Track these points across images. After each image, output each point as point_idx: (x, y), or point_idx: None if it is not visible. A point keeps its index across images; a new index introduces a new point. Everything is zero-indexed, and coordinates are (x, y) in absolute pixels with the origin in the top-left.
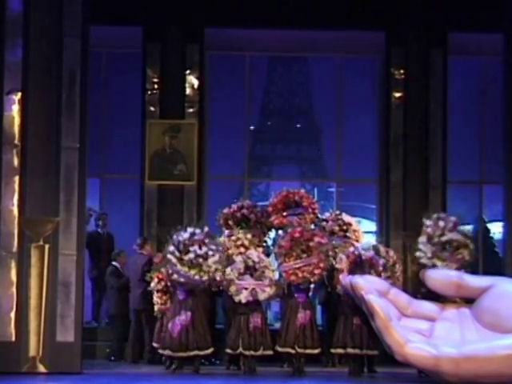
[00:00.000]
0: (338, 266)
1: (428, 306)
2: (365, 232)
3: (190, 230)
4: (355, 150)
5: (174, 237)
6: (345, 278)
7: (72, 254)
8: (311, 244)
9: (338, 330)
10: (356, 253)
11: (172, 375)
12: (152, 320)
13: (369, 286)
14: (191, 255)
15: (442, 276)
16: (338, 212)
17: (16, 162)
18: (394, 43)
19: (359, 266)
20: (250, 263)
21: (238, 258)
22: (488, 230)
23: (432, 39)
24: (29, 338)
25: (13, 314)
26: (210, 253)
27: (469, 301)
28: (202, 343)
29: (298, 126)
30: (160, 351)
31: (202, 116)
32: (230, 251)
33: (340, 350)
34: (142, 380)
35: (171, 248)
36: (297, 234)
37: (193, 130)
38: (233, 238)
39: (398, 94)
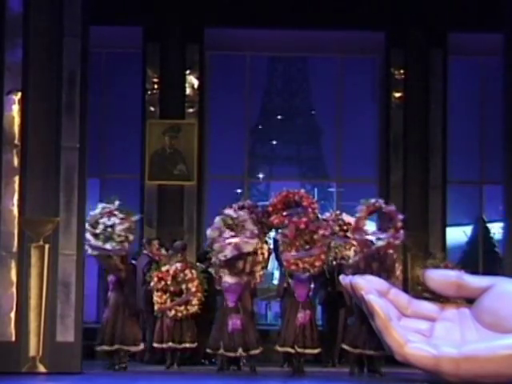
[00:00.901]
0: (357, 214)
1: (428, 306)
2: None
3: (101, 205)
4: (355, 150)
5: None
6: (345, 279)
7: (72, 254)
8: (315, 236)
9: (353, 329)
10: (377, 204)
11: (172, 375)
12: (152, 320)
13: (369, 286)
14: (101, 227)
15: (441, 276)
16: (338, 212)
17: (16, 162)
18: (394, 43)
19: (380, 216)
20: (229, 220)
21: (216, 218)
22: (488, 230)
23: (432, 39)
24: (29, 338)
25: (13, 314)
26: (117, 221)
27: (469, 301)
28: (124, 339)
29: (298, 126)
30: (97, 348)
31: (202, 116)
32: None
33: (356, 350)
34: (142, 380)
35: (86, 225)
36: (302, 225)
37: (193, 130)
38: None
39: (397, 94)
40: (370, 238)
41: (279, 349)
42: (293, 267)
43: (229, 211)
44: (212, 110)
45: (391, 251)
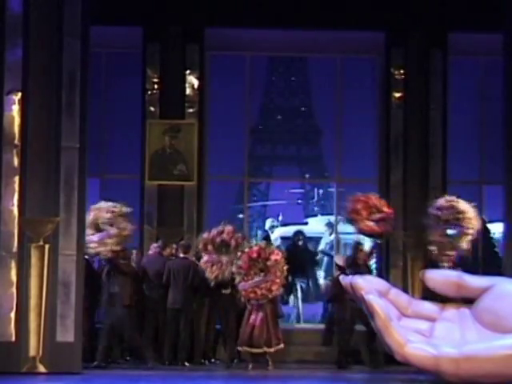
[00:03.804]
0: None
1: (428, 306)
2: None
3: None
4: (355, 150)
5: None
6: (345, 279)
7: (72, 254)
8: (268, 263)
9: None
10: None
11: (172, 375)
12: None
13: (369, 286)
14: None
15: (441, 276)
16: (454, 199)
17: (16, 162)
18: (394, 43)
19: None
20: None
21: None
22: (488, 230)
23: (432, 39)
24: (29, 338)
25: (13, 314)
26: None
27: (469, 301)
28: None
29: (298, 126)
30: None
31: (202, 116)
32: None
33: None
34: (141, 380)
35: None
36: (254, 255)
37: (193, 130)
38: None
39: (397, 94)
40: None
41: (239, 348)
42: (251, 295)
43: None
44: (212, 109)
45: None
